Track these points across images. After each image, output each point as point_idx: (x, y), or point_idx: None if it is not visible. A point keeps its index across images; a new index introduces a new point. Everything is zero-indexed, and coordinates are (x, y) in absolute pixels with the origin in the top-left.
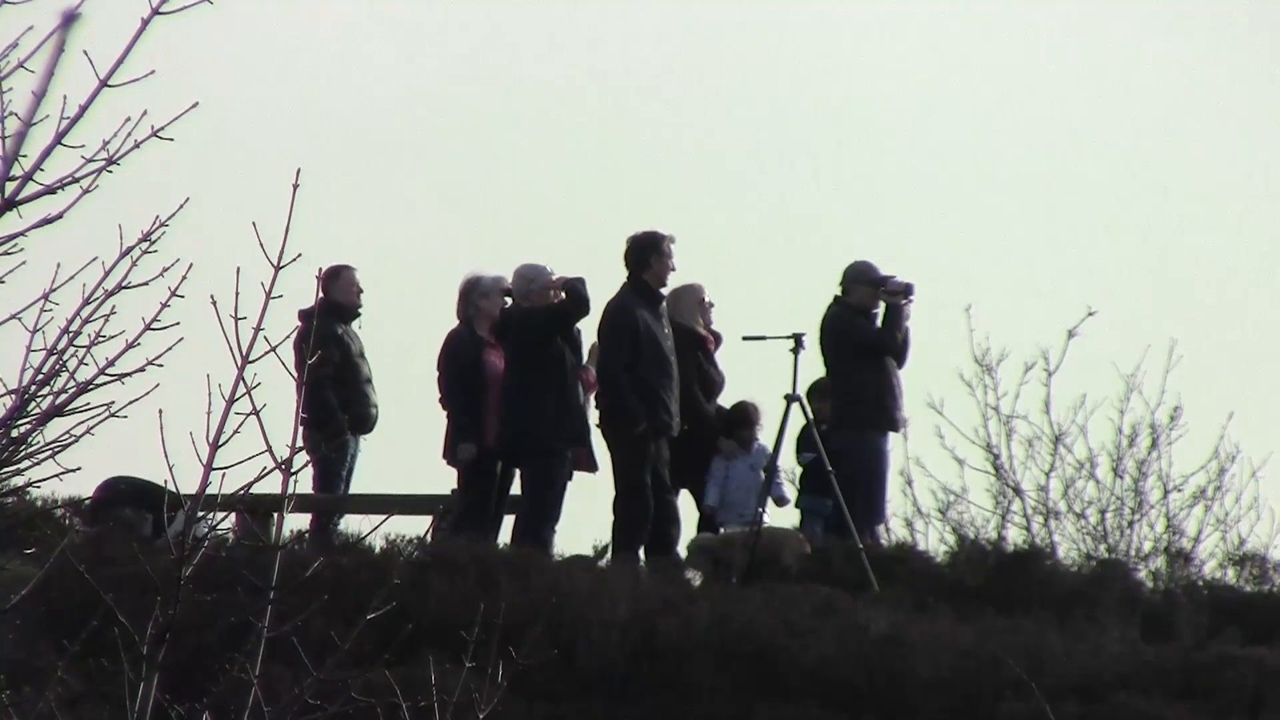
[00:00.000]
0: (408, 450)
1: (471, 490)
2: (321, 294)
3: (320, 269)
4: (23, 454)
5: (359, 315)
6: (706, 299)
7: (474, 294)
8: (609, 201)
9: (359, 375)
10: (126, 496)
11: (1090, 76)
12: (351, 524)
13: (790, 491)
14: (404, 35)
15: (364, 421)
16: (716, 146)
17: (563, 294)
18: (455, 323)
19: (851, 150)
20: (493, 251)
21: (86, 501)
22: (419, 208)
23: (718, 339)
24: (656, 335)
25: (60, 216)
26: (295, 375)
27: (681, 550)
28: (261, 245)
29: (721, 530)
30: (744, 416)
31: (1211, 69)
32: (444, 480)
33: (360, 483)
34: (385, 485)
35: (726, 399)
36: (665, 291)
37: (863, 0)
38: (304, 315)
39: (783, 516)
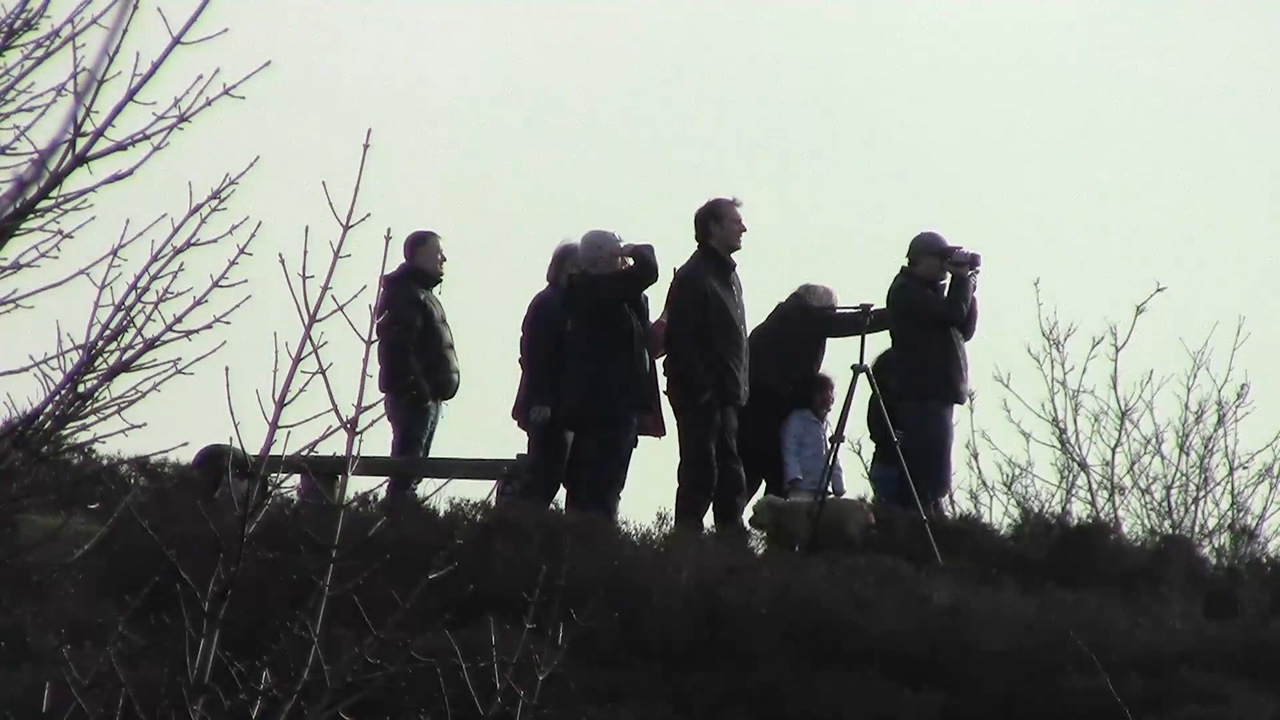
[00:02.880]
0: (490, 416)
1: (542, 453)
2: (405, 259)
3: (399, 235)
4: (89, 409)
5: (440, 281)
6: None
7: (568, 261)
8: (685, 170)
9: (441, 341)
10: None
11: (1166, 49)
12: (429, 489)
13: (848, 478)
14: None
15: (445, 387)
16: (790, 116)
17: (630, 261)
18: (528, 288)
19: (922, 120)
20: (564, 220)
21: (196, 471)
22: (486, 169)
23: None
24: (725, 303)
25: (130, 173)
26: (363, 336)
27: (748, 510)
28: (331, 204)
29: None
30: (825, 385)
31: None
32: (513, 444)
33: (441, 448)
34: (466, 451)
35: None
36: (736, 256)
37: None
38: (387, 281)
39: (852, 487)
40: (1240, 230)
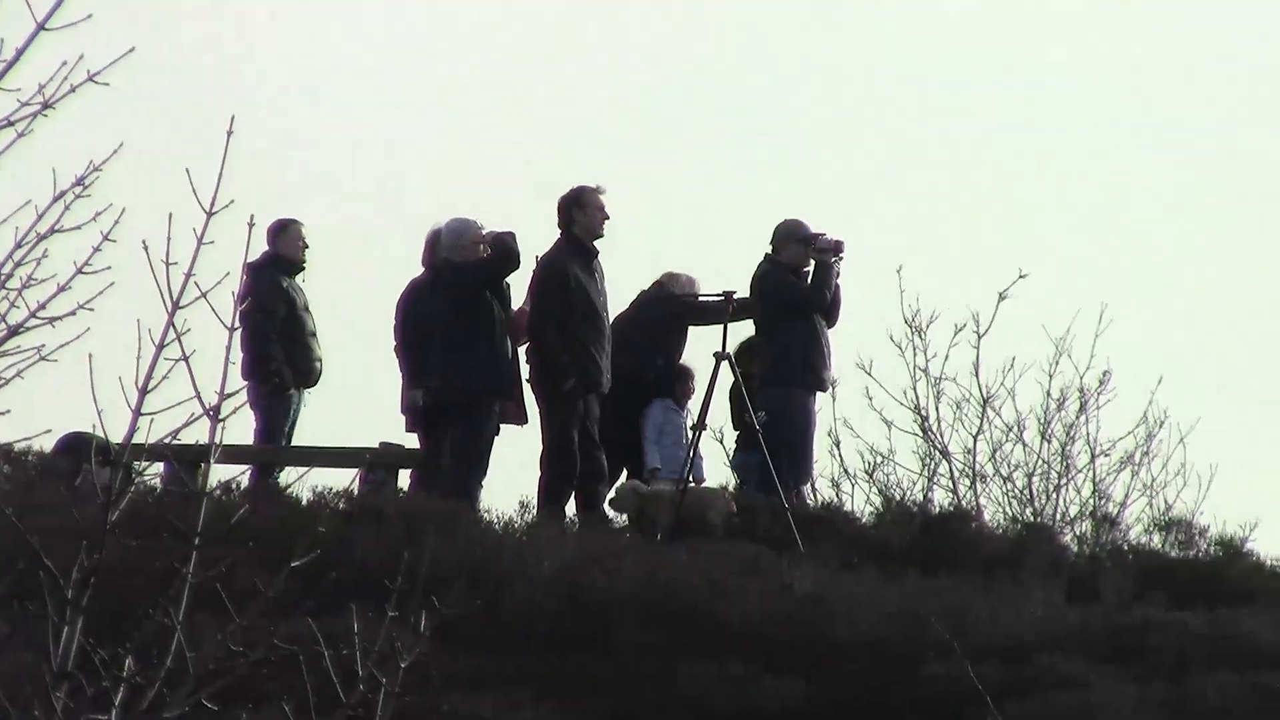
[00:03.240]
0: (352, 404)
1: (425, 437)
2: (268, 247)
3: (262, 223)
4: None
5: (303, 269)
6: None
7: (439, 246)
8: (551, 158)
9: (303, 329)
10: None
11: (1025, 34)
12: (291, 477)
13: (711, 465)
14: None
15: (308, 375)
16: (654, 109)
17: (491, 248)
18: (390, 275)
19: (786, 107)
20: (428, 207)
21: (58, 459)
22: (350, 155)
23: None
24: (589, 290)
25: None
26: (226, 323)
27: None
28: (194, 191)
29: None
30: (686, 375)
31: (1139, 37)
32: (375, 432)
33: (303, 436)
34: (328, 439)
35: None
36: (599, 244)
37: None
38: (250, 268)
39: (715, 474)
40: (1102, 217)
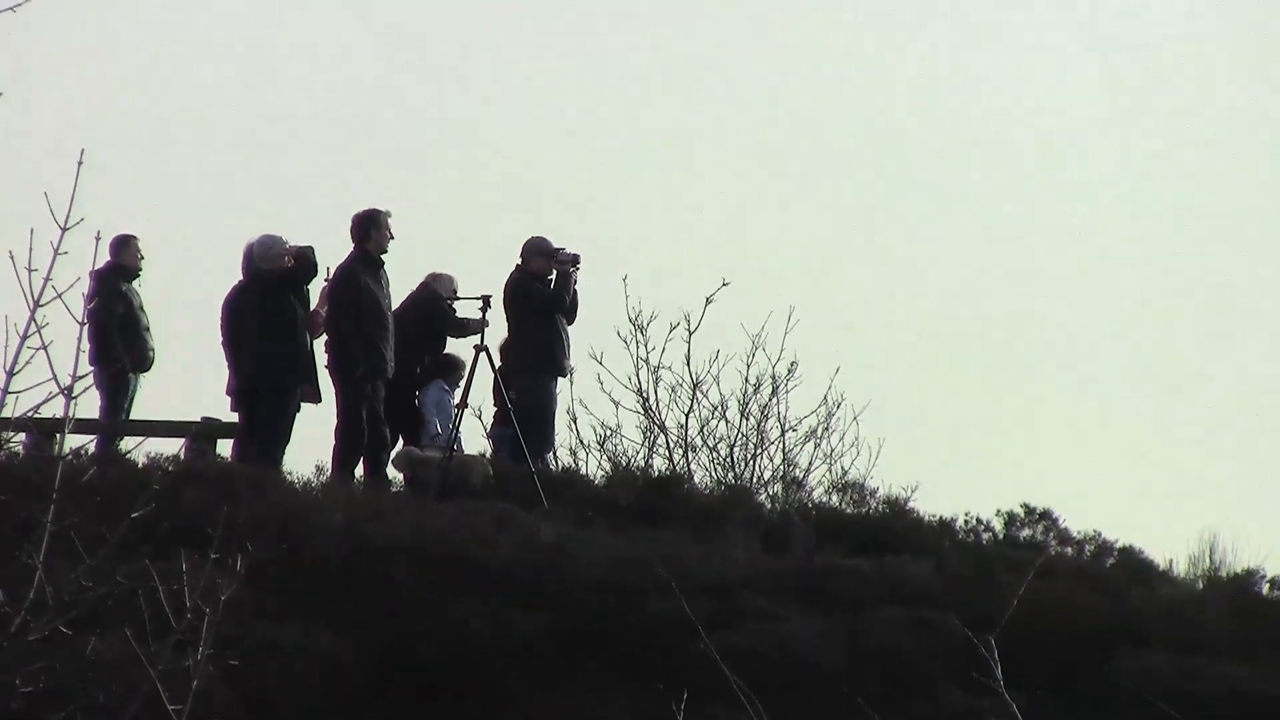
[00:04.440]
0: (179, 386)
1: (241, 414)
2: (111, 257)
3: (107, 236)
4: None
5: (139, 275)
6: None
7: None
8: (343, 180)
9: (139, 324)
10: None
11: (726, 59)
12: (130, 445)
13: (472, 438)
14: (174, 12)
15: (143, 362)
16: (425, 139)
17: (294, 260)
18: (213, 279)
19: (530, 137)
20: (244, 224)
21: None
22: (182, 179)
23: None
24: (376, 295)
25: None
26: (77, 319)
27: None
28: (51, 211)
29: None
30: (456, 363)
31: (827, 53)
32: (204, 409)
33: (140, 411)
34: (160, 414)
35: None
36: (385, 257)
37: None
38: (96, 275)
39: (474, 445)
40: (792, 232)
